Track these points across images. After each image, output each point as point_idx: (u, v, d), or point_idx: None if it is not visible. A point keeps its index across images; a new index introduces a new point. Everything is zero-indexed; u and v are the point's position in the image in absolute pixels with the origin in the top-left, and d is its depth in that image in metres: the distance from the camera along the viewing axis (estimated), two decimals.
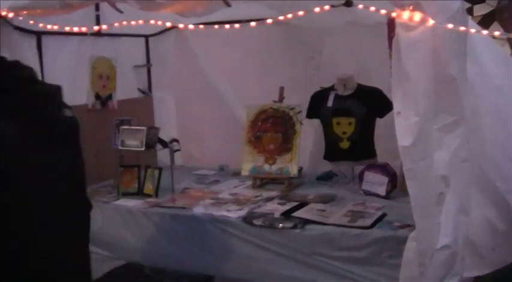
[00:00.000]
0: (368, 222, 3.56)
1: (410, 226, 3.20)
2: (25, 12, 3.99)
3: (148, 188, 4.43)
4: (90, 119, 4.88)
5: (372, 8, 3.05)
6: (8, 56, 4.01)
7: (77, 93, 4.93)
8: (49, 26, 4.15)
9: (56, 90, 2.16)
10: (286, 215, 3.79)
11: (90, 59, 5.04)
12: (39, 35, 4.57)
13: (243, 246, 3.79)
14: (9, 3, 3.92)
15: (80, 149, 2.08)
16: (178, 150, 4.70)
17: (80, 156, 2.08)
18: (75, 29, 4.23)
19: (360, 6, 3.13)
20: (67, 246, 1.91)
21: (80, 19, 4.52)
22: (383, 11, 3.02)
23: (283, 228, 3.64)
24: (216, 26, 4.23)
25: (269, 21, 3.71)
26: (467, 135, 2.98)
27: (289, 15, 3.44)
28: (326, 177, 4.81)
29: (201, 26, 4.22)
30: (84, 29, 4.28)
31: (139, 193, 4.46)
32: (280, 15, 3.53)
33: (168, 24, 4.26)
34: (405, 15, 2.85)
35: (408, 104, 2.93)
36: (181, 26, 4.36)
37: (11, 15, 3.96)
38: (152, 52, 5.82)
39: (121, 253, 4.35)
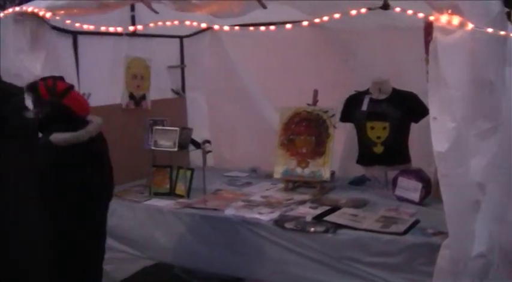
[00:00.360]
0: (401, 228, 3.51)
1: (444, 233, 3.14)
2: (62, 12, 4.03)
3: (180, 188, 4.43)
4: (124, 118, 4.92)
5: (410, 11, 3.01)
6: (45, 55, 4.13)
7: (111, 93, 4.99)
8: (85, 26, 4.19)
9: (17, 90, 2.18)
10: (318, 219, 3.76)
11: (125, 59, 5.08)
12: (75, 34, 4.62)
13: (273, 250, 3.77)
14: (46, 3, 3.97)
15: (37, 150, 2.20)
16: (210, 151, 4.71)
17: (33, 157, 2.18)
18: (111, 29, 4.25)
19: (397, 9, 3.08)
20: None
21: (115, 19, 4.55)
22: (421, 15, 2.97)
23: (315, 232, 3.61)
24: (251, 28, 4.23)
25: (305, 23, 3.69)
26: (505, 141, 2.92)
27: (325, 18, 3.42)
28: (358, 182, 4.76)
29: (236, 28, 4.22)
30: (119, 29, 4.31)
31: (171, 193, 4.47)
32: (315, 18, 3.51)
33: (204, 25, 4.27)
34: (443, 18, 2.80)
35: (445, 109, 2.88)
36: (216, 27, 4.35)
37: (48, 15, 4.00)
38: (186, 53, 5.84)
39: (151, 253, 4.36)
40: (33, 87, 3.10)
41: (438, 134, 2.91)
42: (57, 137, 2.95)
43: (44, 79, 3.15)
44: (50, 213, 3.01)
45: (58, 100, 3.06)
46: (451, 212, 2.92)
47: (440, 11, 2.82)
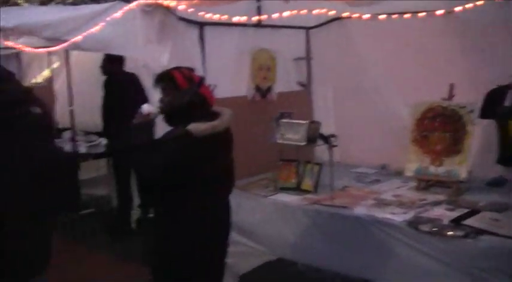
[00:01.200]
0: None
1: None
2: (190, 2, 4.01)
3: (307, 183, 4.32)
4: (250, 110, 4.86)
5: None
6: (172, 46, 4.13)
7: (237, 84, 4.94)
8: (210, 15, 4.14)
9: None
10: (457, 222, 3.49)
11: (251, 51, 5.02)
12: (201, 25, 4.58)
13: (405, 252, 3.56)
14: None
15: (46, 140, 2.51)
16: (336, 146, 4.53)
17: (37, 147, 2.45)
18: (236, 19, 4.19)
19: None
20: None
21: (241, 10, 4.48)
22: None
23: (453, 236, 3.35)
24: (383, 16, 4.01)
25: (439, 12, 3.45)
26: None
27: (458, 8, 3.17)
28: (497, 183, 4.42)
29: (367, 15, 4.01)
30: (244, 19, 4.23)
31: (298, 188, 4.36)
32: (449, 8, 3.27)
33: (333, 13, 4.09)
34: None
35: None
36: (345, 14, 4.17)
37: (177, 5, 3.99)
38: (313, 45, 5.69)
39: (275, 248, 4.30)
40: (167, 76, 3.06)
41: None
42: (196, 127, 2.89)
43: (177, 68, 3.10)
44: (173, 204, 3.00)
45: (196, 89, 3.01)
46: None
47: None
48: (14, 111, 2.44)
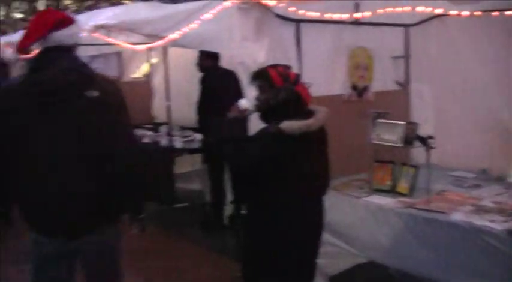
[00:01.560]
0: None
1: None
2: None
3: (403, 186, 4.20)
4: (345, 109, 4.78)
5: None
6: (268, 43, 4.13)
7: (332, 83, 4.87)
8: (309, 13, 4.10)
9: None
10: None
11: (348, 48, 4.93)
12: (298, 22, 4.54)
13: (505, 262, 3.37)
14: None
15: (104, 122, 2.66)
16: (434, 148, 4.38)
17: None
18: (335, 17, 4.12)
19: None
20: None
21: (337, 7, 4.44)
22: None
23: None
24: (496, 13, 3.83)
25: None
26: None
27: None
28: None
29: (466, 13, 3.84)
30: (344, 17, 4.16)
31: (392, 191, 4.25)
32: None
33: (439, 11, 3.95)
34: None
35: None
36: (453, 13, 4.01)
37: (273, 3, 3.98)
38: (412, 43, 5.52)
39: (366, 251, 4.21)
40: (263, 74, 3.06)
41: None
42: (289, 125, 2.88)
43: (273, 66, 3.10)
44: (264, 201, 3.00)
45: (292, 87, 3.00)
46: None
47: None
48: (60, 95, 2.61)
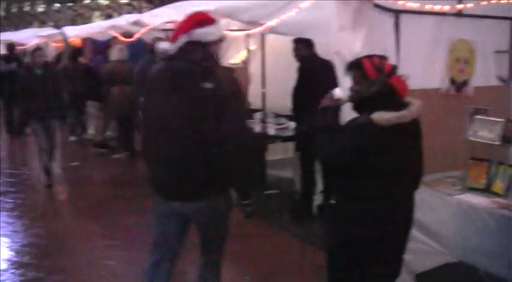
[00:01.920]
0: None
1: None
2: None
3: (498, 186, 4.07)
4: (443, 104, 4.66)
5: None
6: (365, 33, 4.07)
7: (429, 76, 4.75)
8: (409, 4, 4.01)
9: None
10: None
11: (449, 41, 4.79)
12: (397, 13, 4.45)
13: None
14: None
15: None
16: None
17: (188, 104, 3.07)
18: (436, 8, 4.01)
19: None
20: None
21: None
22: None
23: None
24: None
25: None
26: None
27: None
28: None
29: None
30: (445, 8, 4.04)
31: (487, 190, 4.12)
32: None
33: None
34: None
35: None
36: None
37: None
38: None
39: (456, 250, 4.13)
40: (357, 65, 3.04)
41: None
42: (380, 116, 2.85)
43: (369, 57, 3.06)
44: (353, 192, 2.98)
45: (385, 79, 2.95)
46: None
47: None
48: (181, 83, 3.10)
